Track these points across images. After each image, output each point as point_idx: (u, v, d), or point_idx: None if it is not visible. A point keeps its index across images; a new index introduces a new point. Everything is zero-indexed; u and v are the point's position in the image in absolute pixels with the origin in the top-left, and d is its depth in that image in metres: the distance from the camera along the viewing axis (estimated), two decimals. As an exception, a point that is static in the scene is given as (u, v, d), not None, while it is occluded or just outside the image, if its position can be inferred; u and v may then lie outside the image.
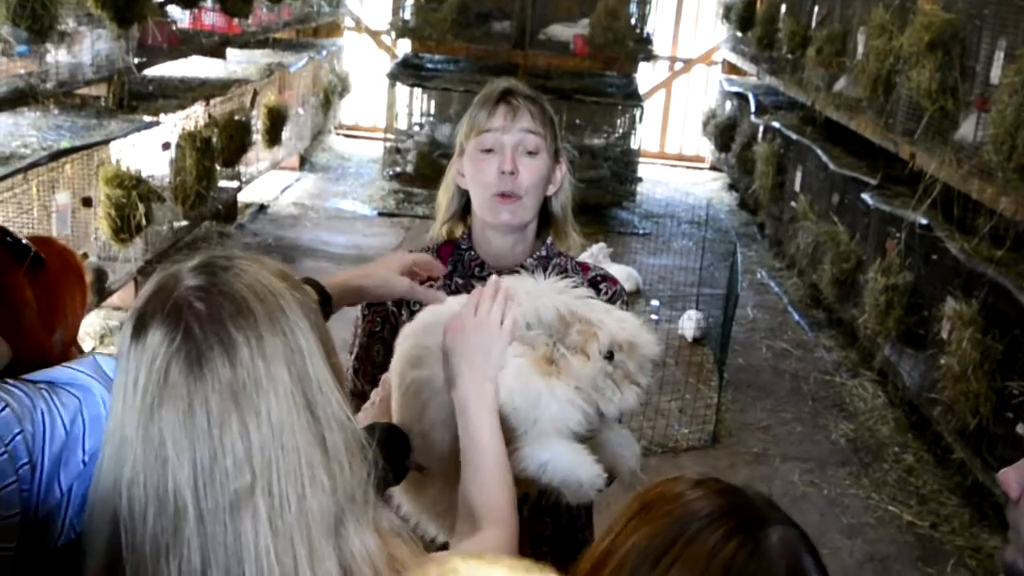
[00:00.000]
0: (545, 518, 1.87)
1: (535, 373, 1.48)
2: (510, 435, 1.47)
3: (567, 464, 1.47)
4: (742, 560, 0.92)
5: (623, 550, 0.96)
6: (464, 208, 2.00)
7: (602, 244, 7.09)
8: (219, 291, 1.03)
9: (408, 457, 1.55)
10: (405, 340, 1.63)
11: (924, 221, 4.79)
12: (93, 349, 5.10)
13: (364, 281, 1.72)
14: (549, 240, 2.00)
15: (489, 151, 1.88)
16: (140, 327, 1.03)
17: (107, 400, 1.15)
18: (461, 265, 1.98)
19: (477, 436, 1.40)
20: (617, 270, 6.87)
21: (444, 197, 2.01)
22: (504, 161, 1.86)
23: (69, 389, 1.16)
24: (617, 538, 0.99)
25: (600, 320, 1.50)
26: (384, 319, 1.96)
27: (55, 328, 1.45)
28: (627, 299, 2.03)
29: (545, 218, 2.00)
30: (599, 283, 1.99)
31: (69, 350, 1.50)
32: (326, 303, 1.59)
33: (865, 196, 5.57)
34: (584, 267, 2.03)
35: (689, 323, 6.06)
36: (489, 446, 1.40)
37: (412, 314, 1.92)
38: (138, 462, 1.00)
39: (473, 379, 1.44)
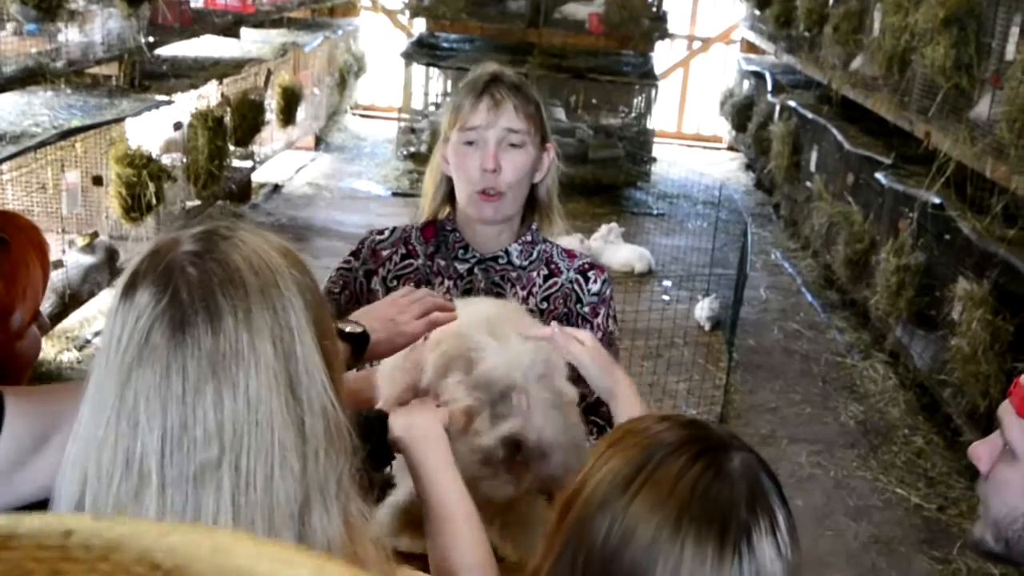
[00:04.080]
0: None
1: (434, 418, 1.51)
2: None
3: None
4: (706, 481, 1.00)
5: (596, 479, 1.03)
6: (450, 193, 1.98)
7: (613, 224, 7.05)
8: (213, 258, 1.01)
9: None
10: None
11: (937, 200, 4.73)
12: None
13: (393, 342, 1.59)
14: (535, 226, 1.98)
15: (472, 144, 1.86)
16: (131, 286, 1.01)
17: None
18: (445, 247, 1.96)
19: (441, 497, 1.40)
20: (629, 250, 6.85)
21: (431, 181, 1.99)
22: (486, 159, 1.83)
23: None
24: (590, 470, 1.06)
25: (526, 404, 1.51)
26: (345, 285, 1.95)
27: (14, 307, 1.45)
28: (613, 288, 2.01)
29: (531, 202, 1.97)
30: (587, 271, 1.97)
31: (27, 329, 1.50)
32: (364, 342, 1.53)
33: (879, 175, 5.50)
34: (571, 254, 2.01)
35: (703, 311, 5.95)
36: (459, 505, 1.39)
37: (389, 290, 1.91)
38: (111, 423, 0.99)
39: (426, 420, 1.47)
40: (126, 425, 0.98)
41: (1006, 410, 1.20)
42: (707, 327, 5.79)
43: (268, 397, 1.00)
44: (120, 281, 1.04)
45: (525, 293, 1.94)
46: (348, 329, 1.51)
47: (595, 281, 1.95)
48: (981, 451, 1.23)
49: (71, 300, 4.66)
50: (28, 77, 4.66)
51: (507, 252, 1.94)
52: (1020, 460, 1.17)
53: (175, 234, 1.06)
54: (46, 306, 4.46)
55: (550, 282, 1.95)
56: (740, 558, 0.97)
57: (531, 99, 1.90)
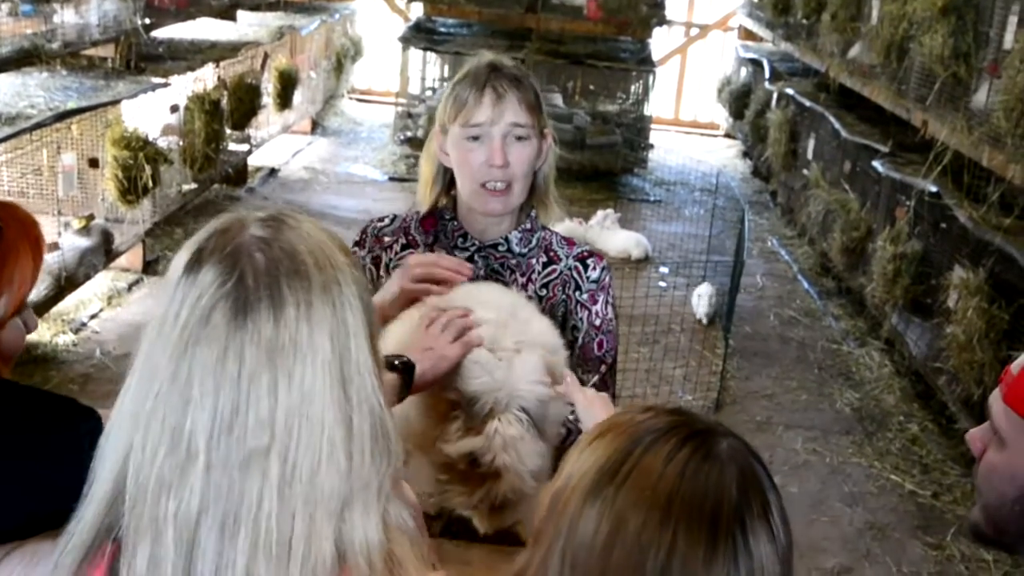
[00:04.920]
0: None
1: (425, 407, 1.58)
2: None
3: None
4: (695, 464, 0.98)
5: (583, 469, 1.01)
6: (450, 182, 1.96)
7: (609, 211, 7.05)
8: (281, 247, 1.02)
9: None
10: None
11: (934, 189, 4.73)
12: (101, 310, 5.14)
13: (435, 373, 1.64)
14: (533, 213, 1.97)
15: (476, 139, 1.85)
16: (195, 262, 1.02)
17: None
18: (444, 235, 1.96)
19: None
20: (626, 237, 6.85)
21: (427, 169, 1.97)
22: (494, 155, 1.83)
23: None
24: (577, 461, 1.04)
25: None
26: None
27: (0, 291, 1.44)
28: (612, 276, 2.01)
29: (530, 189, 1.97)
30: (586, 259, 1.97)
31: (9, 319, 1.49)
32: (411, 373, 1.58)
33: (876, 163, 5.51)
34: (570, 242, 2.01)
35: (700, 305, 5.80)
36: None
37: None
38: (162, 396, 0.99)
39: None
40: (177, 400, 0.99)
41: (995, 397, 1.21)
42: (704, 321, 5.72)
43: (321, 392, 1.00)
44: (182, 255, 1.04)
45: (524, 280, 1.94)
46: (397, 361, 1.55)
47: (594, 268, 1.95)
48: (976, 436, 1.25)
49: (67, 283, 4.65)
50: (24, 58, 4.64)
51: (507, 240, 1.94)
52: (1007, 446, 1.18)
53: (241, 215, 1.07)
54: (40, 288, 4.45)
55: (549, 269, 1.95)
56: (733, 542, 0.95)
57: (531, 89, 1.89)
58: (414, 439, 1.60)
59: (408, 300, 1.75)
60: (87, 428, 1.18)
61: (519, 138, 1.85)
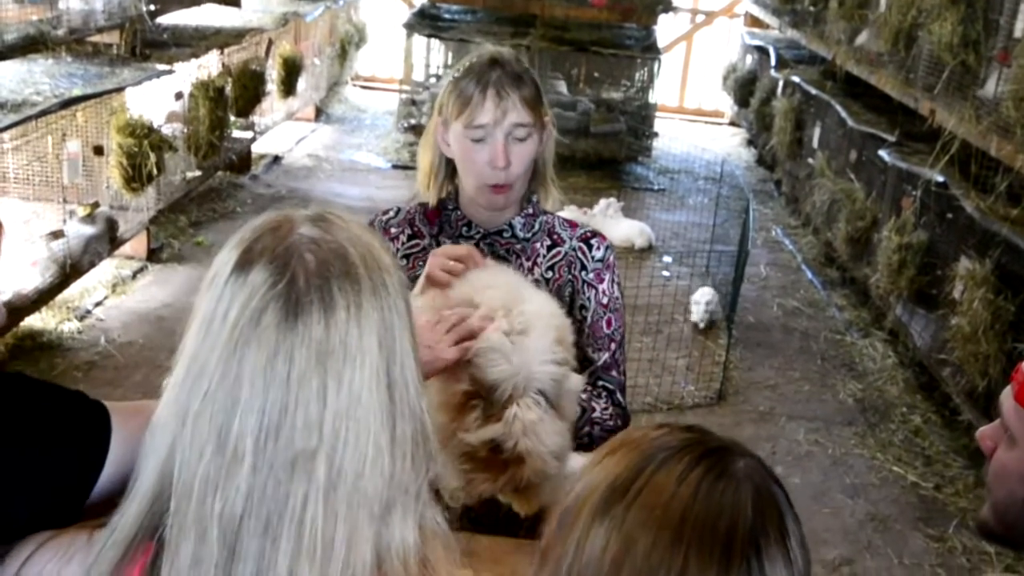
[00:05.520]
0: None
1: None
2: None
3: None
4: (709, 483, 0.93)
5: (593, 485, 0.98)
6: (452, 172, 1.97)
7: (612, 199, 7.03)
8: (331, 249, 1.02)
9: None
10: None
11: (940, 179, 4.71)
12: (105, 298, 5.15)
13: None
14: (535, 198, 1.99)
15: (479, 140, 1.86)
16: (246, 262, 1.01)
17: None
18: (448, 225, 1.98)
19: None
20: (629, 226, 6.83)
21: (426, 158, 1.98)
22: (497, 157, 1.84)
23: None
24: (587, 477, 1.00)
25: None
26: None
27: None
28: (616, 256, 2.02)
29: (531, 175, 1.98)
30: (590, 239, 1.99)
31: None
32: None
33: (882, 153, 5.48)
34: (572, 224, 2.03)
35: (699, 311, 5.53)
36: None
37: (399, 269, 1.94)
38: (210, 396, 0.99)
39: None
40: (226, 400, 0.98)
41: (1006, 395, 1.21)
42: (701, 326, 5.49)
43: (369, 395, 1.01)
44: (231, 252, 1.03)
45: (530, 264, 1.96)
46: None
47: (598, 248, 1.98)
48: (987, 434, 1.24)
49: (71, 270, 4.65)
50: (29, 45, 4.62)
51: (511, 225, 1.96)
52: (1018, 445, 1.18)
53: (288, 213, 1.07)
54: (46, 276, 4.46)
55: (553, 252, 1.97)
56: (748, 566, 0.90)
57: (531, 84, 1.90)
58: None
59: (432, 284, 1.78)
60: (94, 423, 1.18)
61: (520, 139, 1.87)
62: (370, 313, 1.02)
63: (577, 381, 1.70)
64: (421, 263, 1.87)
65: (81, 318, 4.87)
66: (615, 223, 6.80)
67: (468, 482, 1.59)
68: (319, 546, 0.98)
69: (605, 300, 1.95)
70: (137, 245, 5.59)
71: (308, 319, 0.99)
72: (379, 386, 1.01)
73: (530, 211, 1.98)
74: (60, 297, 4.81)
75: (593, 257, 1.97)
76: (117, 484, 1.13)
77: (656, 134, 8.80)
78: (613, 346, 1.95)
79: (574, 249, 1.97)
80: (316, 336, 0.99)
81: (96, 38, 5.62)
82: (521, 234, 1.96)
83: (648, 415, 4.57)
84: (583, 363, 1.86)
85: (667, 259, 6.65)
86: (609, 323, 1.95)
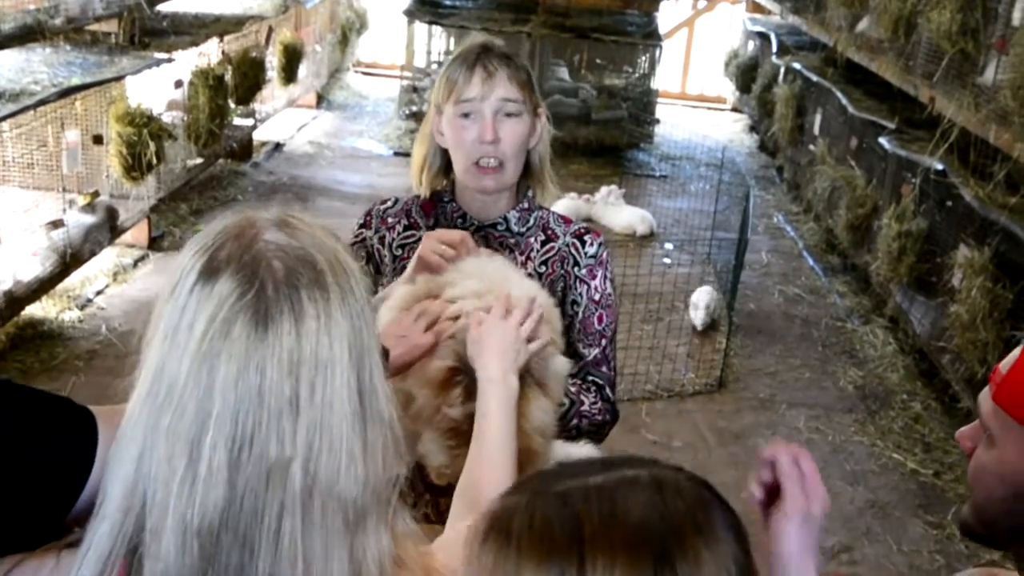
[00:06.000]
0: None
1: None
2: None
3: None
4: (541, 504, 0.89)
5: None
6: (446, 164, 1.98)
7: (613, 186, 7.02)
8: (298, 256, 1.00)
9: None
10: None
11: (940, 166, 4.71)
12: (106, 286, 5.16)
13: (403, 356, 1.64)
14: (530, 192, 1.99)
15: (468, 116, 1.87)
16: (211, 271, 0.99)
17: None
18: (443, 217, 1.98)
19: (487, 423, 1.48)
20: (631, 213, 6.83)
21: (419, 151, 1.99)
22: (485, 131, 1.84)
23: None
24: None
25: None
26: (369, 257, 1.99)
27: None
28: (609, 252, 2.02)
29: (525, 169, 1.98)
30: (583, 235, 2.00)
31: None
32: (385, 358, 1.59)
33: (883, 140, 5.47)
34: (567, 220, 2.03)
35: (697, 314, 5.33)
36: (498, 435, 1.47)
37: (395, 258, 1.96)
38: (178, 411, 0.97)
39: (502, 370, 1.52)
40: (196, 414, 0.96)
41: (984, 395, 1.21)
42: (699, 328, 5.31)
43: (341, 403, 0.99)
44: (193, 261, 1.01)
45: (523, 258, 1.97)
46: None
47: (591, 244, 1.98)
48: (966, 434, 1.24)
49: (72, 259, 4.67)
50: (27, 34, 4.62)
51: (505, 219, 1.96)
52: (996, 445, 1.18)
53: (250, 216, 1.04)
54: (46, 265, 4.47)
55: (547, 247, 1.98)
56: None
57: (522, 67, 1.92)
58: (418, 412, 1.63)
59: (424, 267, 1.79)
60: (82, 433, 1.15)
61: (510, 114, 1.87)
62: (340, 321, 1.00)
63: (563, 363, 1.70)
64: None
65: (82, 307, 4.89)
66: (616, 210, 6.80)
67: (454, 458, 1.60)
68: (298, 556, 0.97)
69: (597, 296, 1.95)
70: (138, 233, 5.60)
71: (279, 329, 0.97)
72: (350, 394, 1.00)
73: (525, 206, 1.98)
74: (61, 286, 4.83)
75: (586, 253, 1.97)
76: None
77: (658, 121, 8.78)
78: (604, 342, 1.95)
79: (567, 245, 1.98)
80: (287, 346, 0.97)
81: (95, 27, 5.61)
82: (515, 228, 1.97)
83: (649, 403, 4.58)
84: (574, 359, 1.87)
85: (668, 246, 6.65)
86: (600, 319, 1.96)
